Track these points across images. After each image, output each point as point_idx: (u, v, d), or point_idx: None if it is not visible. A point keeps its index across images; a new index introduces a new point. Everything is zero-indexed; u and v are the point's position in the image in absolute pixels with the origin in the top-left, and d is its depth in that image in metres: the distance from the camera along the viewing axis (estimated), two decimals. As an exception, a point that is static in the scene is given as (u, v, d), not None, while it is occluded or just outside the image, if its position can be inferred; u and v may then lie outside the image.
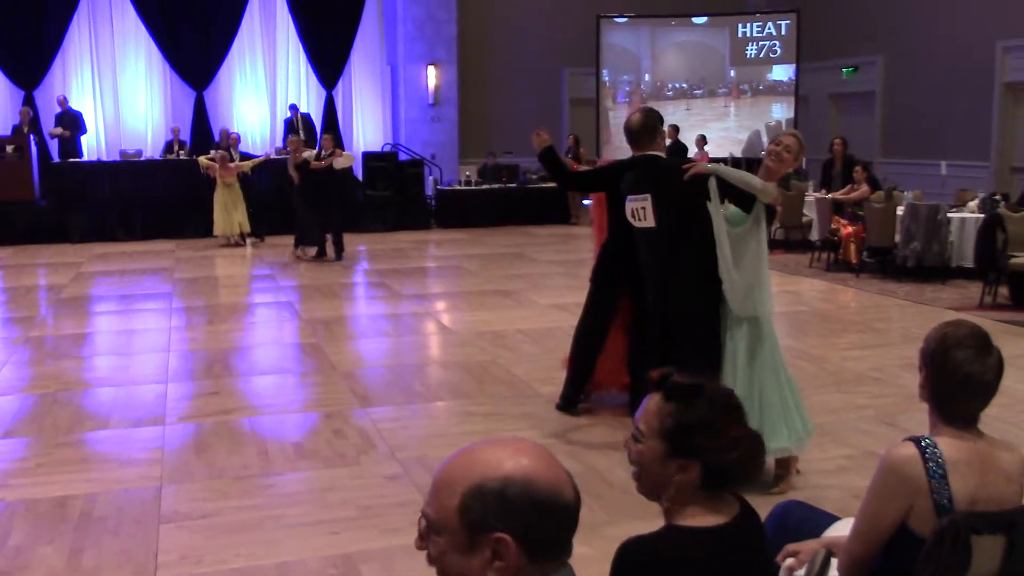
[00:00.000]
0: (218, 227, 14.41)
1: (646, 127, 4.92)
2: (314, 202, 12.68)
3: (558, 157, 5.76)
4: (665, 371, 2.03)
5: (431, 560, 1.51)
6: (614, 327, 5.79)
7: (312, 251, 12.93)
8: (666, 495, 2.00)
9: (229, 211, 14.41)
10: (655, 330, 4.97)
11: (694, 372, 2.04)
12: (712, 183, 4.43)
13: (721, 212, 4.46)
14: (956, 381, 2.28)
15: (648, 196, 4.71)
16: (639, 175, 4.85)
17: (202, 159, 14.54)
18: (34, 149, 15.49)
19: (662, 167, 4.95)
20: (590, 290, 5.91)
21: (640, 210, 4.77)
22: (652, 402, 2.01)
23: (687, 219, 4.61)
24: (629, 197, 4.85)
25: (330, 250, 12.87)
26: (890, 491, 2.27)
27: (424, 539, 1.53)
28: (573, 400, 5.88)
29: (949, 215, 10.55)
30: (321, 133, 17.60)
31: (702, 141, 15.94)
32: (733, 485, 2.00)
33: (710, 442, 1.94)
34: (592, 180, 6.14)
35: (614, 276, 5.69)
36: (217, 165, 14.28)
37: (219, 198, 14.36)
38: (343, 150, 13.65)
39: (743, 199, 4.45)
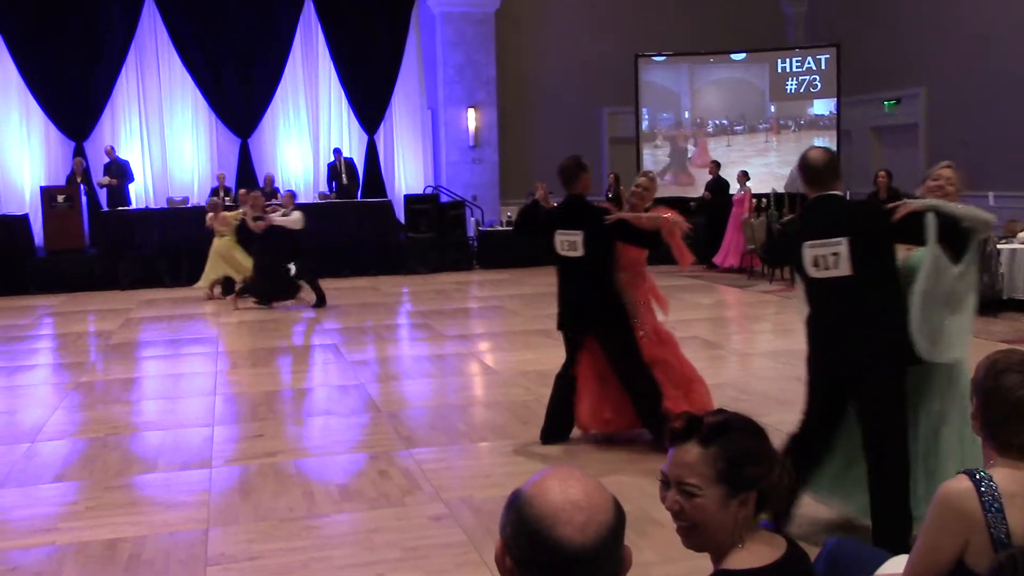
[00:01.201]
0: (203, 279, 14.19)
1: (831, 164, 4.21)
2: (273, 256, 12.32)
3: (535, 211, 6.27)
4: (689, 417, 1.99)
5: None
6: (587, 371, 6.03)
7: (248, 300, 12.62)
8: (724, 540, 1.95)
9: (216, 262, 14.09)
10: (815, 406, 4.32)
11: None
12: (930, 220, 3.87)
13: (938, 252, 3.93)
14: (1008, 407, 2.23)
15: (843, 241, 4.01)
16: (829, 217, 4.14)
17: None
18: (84, 198, 15.83)
19: (860, 207, 4.69)
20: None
21: (830, 257, 4.06)
22: (690, 453, 1.95)
23: (885, 264, 4.08)
24: (811, 243, 4.11)
25: (308, 295, 12.59)
26: (946, 526, 2.22)
27: None
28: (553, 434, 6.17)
29: (999, 247, 10.39)
30: (364, 179, 17.83)
31: (744, 177, 15.88)
32: (778, 503, 2.00)
33: (759, 468, 1.94)
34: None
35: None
36: (210, 214, 14.10)
37: (213, 248, 14.22)
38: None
39: (955, 235, 3.96)
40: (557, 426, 6.14)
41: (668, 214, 5.84)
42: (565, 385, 6.08)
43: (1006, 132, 15.33)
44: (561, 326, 6.17)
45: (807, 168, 4.22)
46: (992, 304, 10.37)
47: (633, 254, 6.00)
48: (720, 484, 1.92)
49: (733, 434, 1.95)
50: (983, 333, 9.26)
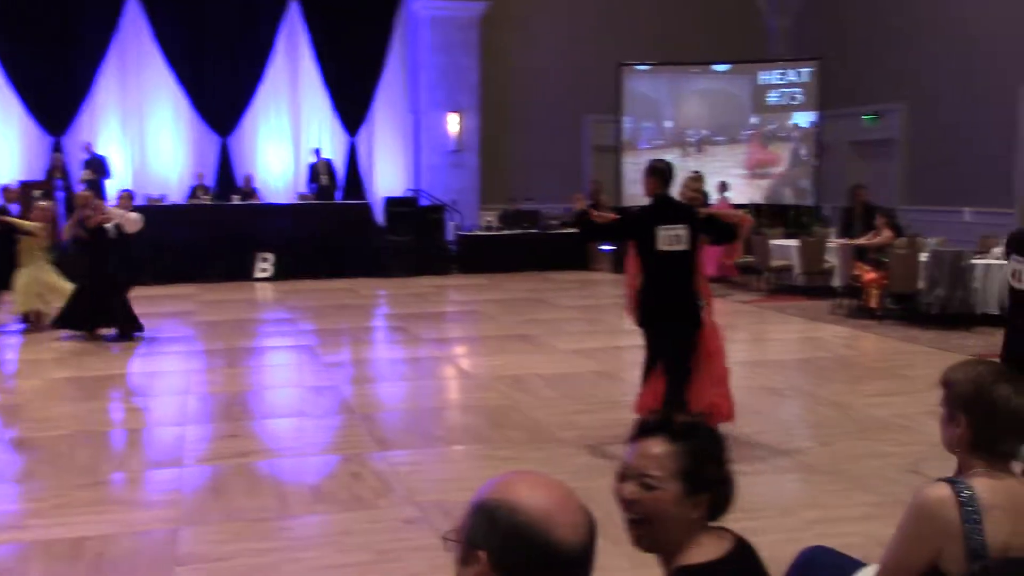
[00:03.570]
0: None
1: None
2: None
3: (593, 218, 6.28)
4: (661, 413, 2.06)
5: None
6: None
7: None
8: (675, 538, 1.97)
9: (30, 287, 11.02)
10: None
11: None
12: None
13: None
14: (1005, 419, 2.25)
15: None
16: None
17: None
18: (62, 194, 15.68)
19: None
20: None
21: None
22: (658, 446, 1.98)
23: None
24: None
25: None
26: (921, 533, 2.22)
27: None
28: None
29: (973, 261, 10.46)
30: (344, 180, 17.77)
31: (722, 187, 15.93)
32: (727, 508, 2.04)
33: (718, 471, 2.00)
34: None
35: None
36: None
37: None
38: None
39: None
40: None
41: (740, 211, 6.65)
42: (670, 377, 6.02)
43: (983, 149, 15.46)
44: (649, 321, 6.08)
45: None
46: (966, 319, 10.45)
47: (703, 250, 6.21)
48: (680, 480, 1.95)
49: (701, 435, 2.01)
50: (957, 347, 9.32)
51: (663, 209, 6.03)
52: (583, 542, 1.48)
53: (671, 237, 5.91)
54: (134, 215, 11.19)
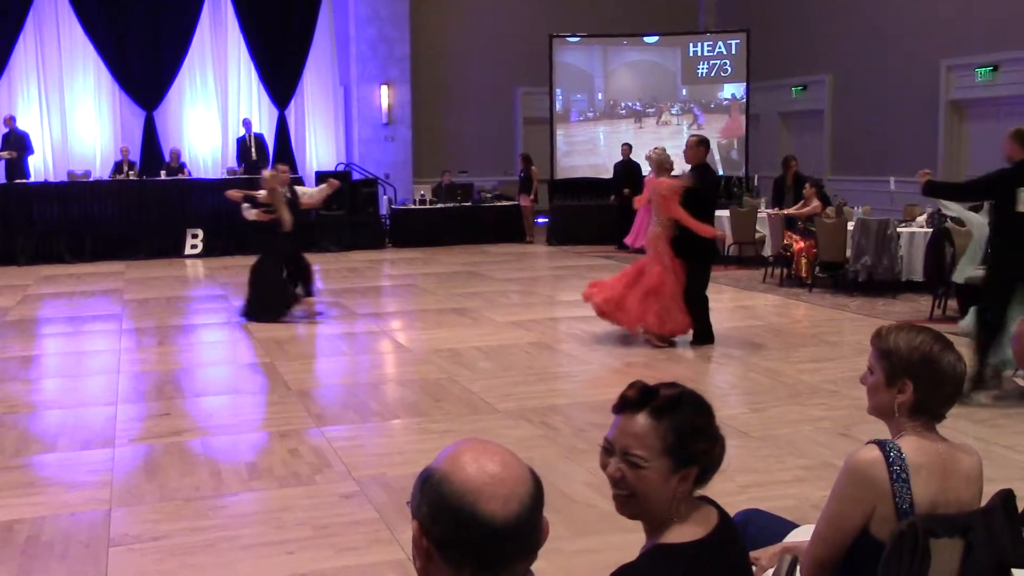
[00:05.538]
0: None
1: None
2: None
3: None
4: (642, 389, 1.97)
5: None
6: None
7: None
8: (660, 511, 1.95)
9: None
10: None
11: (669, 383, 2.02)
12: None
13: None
14: (951, 383, 2.33)
15: None
16: None
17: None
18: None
19: None
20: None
21: None
22: (640, 424, 1.93)
23: None
24: None
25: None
26: (853, 493, 2.27)
27: None
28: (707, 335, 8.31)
29: (899, 230, 10.70)
30: (274, 155, 17.48)
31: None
32: (714, 473, 2.02)
33: (704, 443, 1.96)
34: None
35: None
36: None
37: None
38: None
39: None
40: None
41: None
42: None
43: (906, 120, 15.80)
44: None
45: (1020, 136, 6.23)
46: (891, 286, 10.71)
47: None
48: (666, 457, 1.92)
49: (684, 409, 1.95)
50: (884, 314, 9.55)
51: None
52: (516, 515, 1.44)
53: None
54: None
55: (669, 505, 1.95)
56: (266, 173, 10.10)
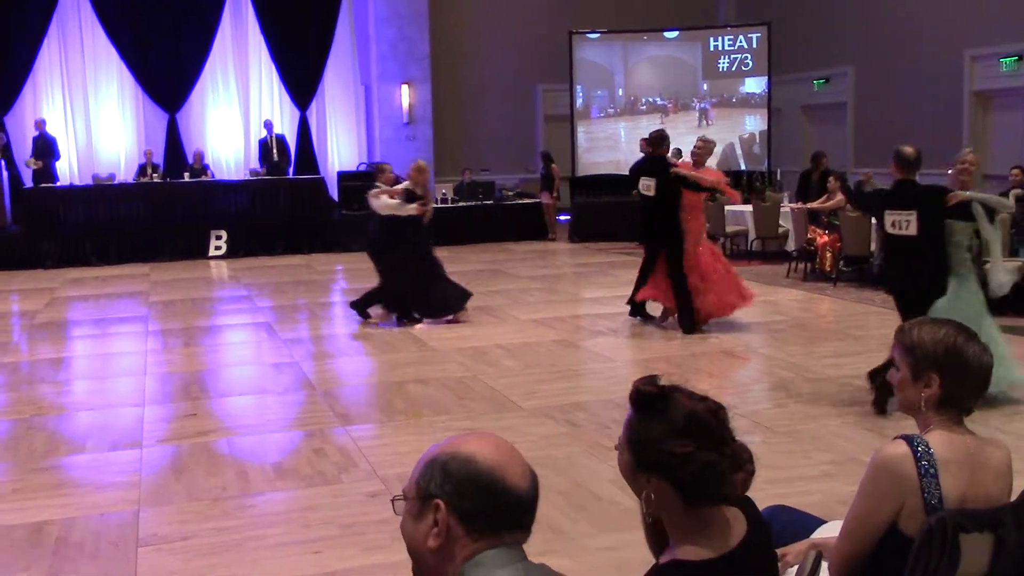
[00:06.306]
0: None
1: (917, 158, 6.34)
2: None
3: None
4: (636, 387, 1.91)
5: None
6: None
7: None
8: (666, 520, 1.89)
9: None
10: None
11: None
12: (976, 206, 6.02)
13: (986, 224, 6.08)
14: (978, 376, 2.31)
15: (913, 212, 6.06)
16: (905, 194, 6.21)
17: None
18: (5, 175, 15.36)
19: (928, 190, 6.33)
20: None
21: (903, 222, 6.07)
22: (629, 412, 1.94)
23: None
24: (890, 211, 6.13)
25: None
26: (882, 489, 2.26)
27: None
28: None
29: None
30: (296, 156, 17.52)
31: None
32: (709, 500, 1.85)
33: (665, 455, 1.82)
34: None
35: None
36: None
37: None
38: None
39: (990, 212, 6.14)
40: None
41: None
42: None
43: (930, 111, 15.65)
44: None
45: (900, 158, 6.33)
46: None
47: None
48: (630, 452, 1.90)
49: (658, 413, 1.87)
50: (870, 301, 9.47)
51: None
52: (531, 488, 1.65)
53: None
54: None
55: (671, 515, 1.87)
56: (413, 167, 9.96)
